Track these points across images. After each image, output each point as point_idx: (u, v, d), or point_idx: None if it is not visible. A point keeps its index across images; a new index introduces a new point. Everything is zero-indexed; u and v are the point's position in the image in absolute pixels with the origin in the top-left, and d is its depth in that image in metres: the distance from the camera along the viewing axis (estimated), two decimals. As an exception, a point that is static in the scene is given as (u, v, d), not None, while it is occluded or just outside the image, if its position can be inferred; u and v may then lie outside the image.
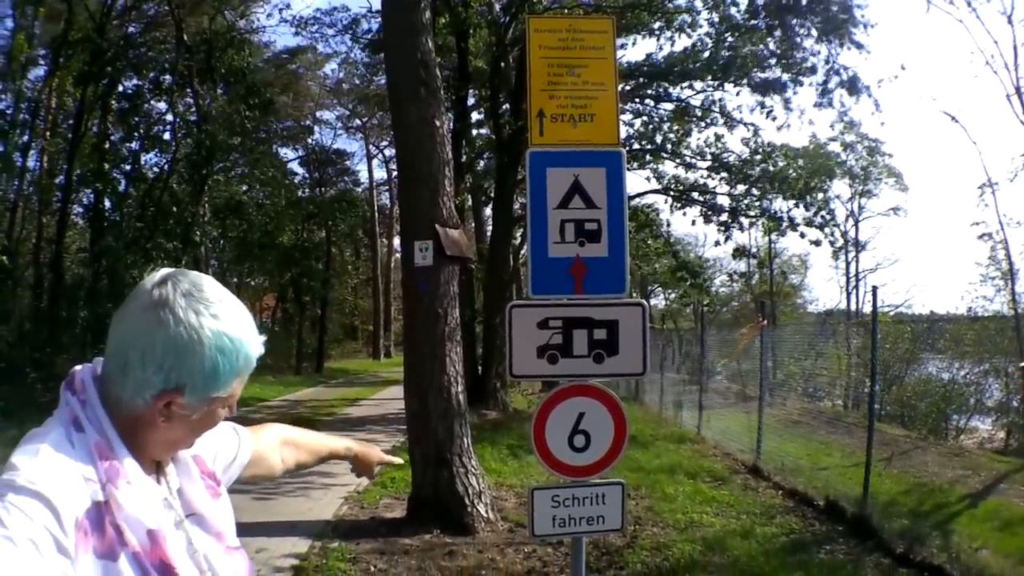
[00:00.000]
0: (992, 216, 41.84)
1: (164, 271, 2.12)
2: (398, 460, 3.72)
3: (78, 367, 2.18)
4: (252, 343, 2.18)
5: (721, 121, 29.68)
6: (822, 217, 28.43)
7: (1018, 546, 10.49)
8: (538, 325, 5.61)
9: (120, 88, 34.73)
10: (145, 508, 2.04)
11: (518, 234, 29.58)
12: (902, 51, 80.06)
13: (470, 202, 35.51)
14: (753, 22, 27.09)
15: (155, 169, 36.45)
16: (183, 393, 2.06)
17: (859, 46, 26.59)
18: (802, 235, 28.57)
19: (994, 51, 34.07)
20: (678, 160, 30.08)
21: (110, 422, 2.05)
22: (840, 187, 43.74)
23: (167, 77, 35.91)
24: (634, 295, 56.24)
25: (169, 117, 37.04)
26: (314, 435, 3.38)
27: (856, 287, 61.59)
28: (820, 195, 28.61)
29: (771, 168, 28.22)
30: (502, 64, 28.57)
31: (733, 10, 27.60)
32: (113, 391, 2.06)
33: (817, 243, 28.73)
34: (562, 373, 5.68)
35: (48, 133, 33.14)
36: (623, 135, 27.52)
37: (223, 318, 2.11)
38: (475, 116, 33.94)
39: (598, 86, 6.04)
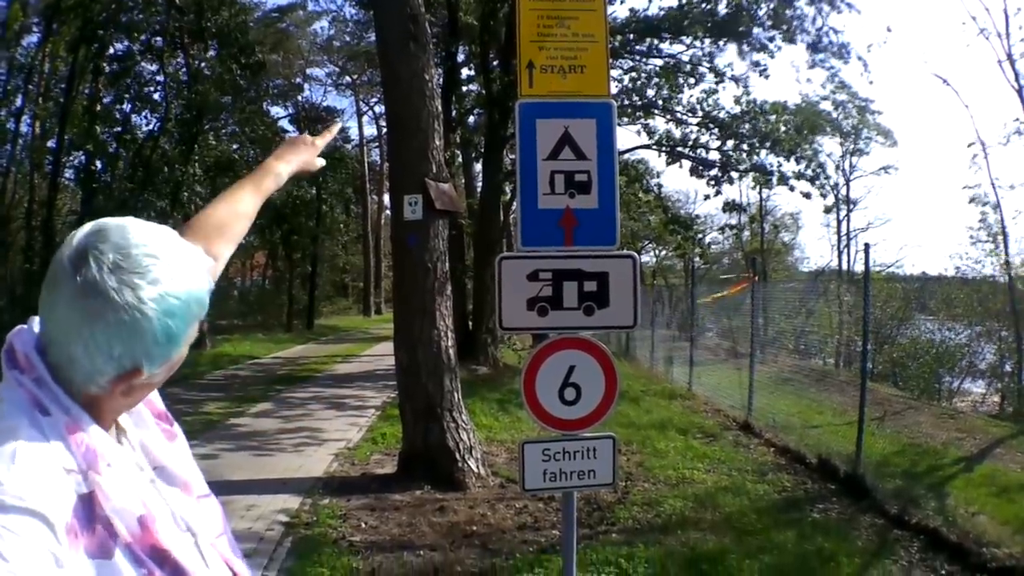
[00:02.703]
0: (983, 179, 41.92)
1: (79, 238, 1.81)
2: (335, 126, 3.43)
3: (14, 337, 1.93)
4: (199, 286, 1.91)
5: (712, 77, 29.59)
6: (813, 170, 28.42)
7: (1015, 513, 10.45)
8: (528, 277, 5.55)
9: (111, 51, 34.60)
10: (131, 492, 1.87)
11: (508, 189, 29.47)
12: (893, 16, 79.74)
13: (460, 158, 35.42)
14: None
15: (145, 129, 36.34)
16: (141, 370, 1.86)
17: (848, 5, 26.52)
18: (791, 188, 28.55)
19: (986, 18, 34.08)
20: (669, 116, 29.99)
21: (69, 398, 1.84)
22: (832, 145, 43.72)
23: (158, 39, 35.72)
24: (624, 250, 56.26)
25: (160, 78, 36.88)
26: (225, 198, 2.87)
27: (848, 246, 61.69)
28: (809, 147, 28.58)
29: (761, 125, 28.15)
30: (492, 21, 28.41)
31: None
32: (62, 373, 1.85)
33: (808, 195, 28.72)
34: (552, 325, 5.63)
35: (40, 99, 33.03)
36: (614, 90, 27.40)
37: (163, 278, 1.83)
38: (465, 73, 33.86)
39: (588, 37, 5.96)
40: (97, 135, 31.75)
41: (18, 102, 31.21)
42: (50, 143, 33.25)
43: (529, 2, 6.00)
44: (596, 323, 5.67)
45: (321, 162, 3.18)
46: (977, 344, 24.78)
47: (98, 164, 33.42)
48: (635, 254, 5.92)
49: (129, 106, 35.50)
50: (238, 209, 2.81)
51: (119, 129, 34.58)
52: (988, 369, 25.17)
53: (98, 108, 33.43)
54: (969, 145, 34.18)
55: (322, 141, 3.18)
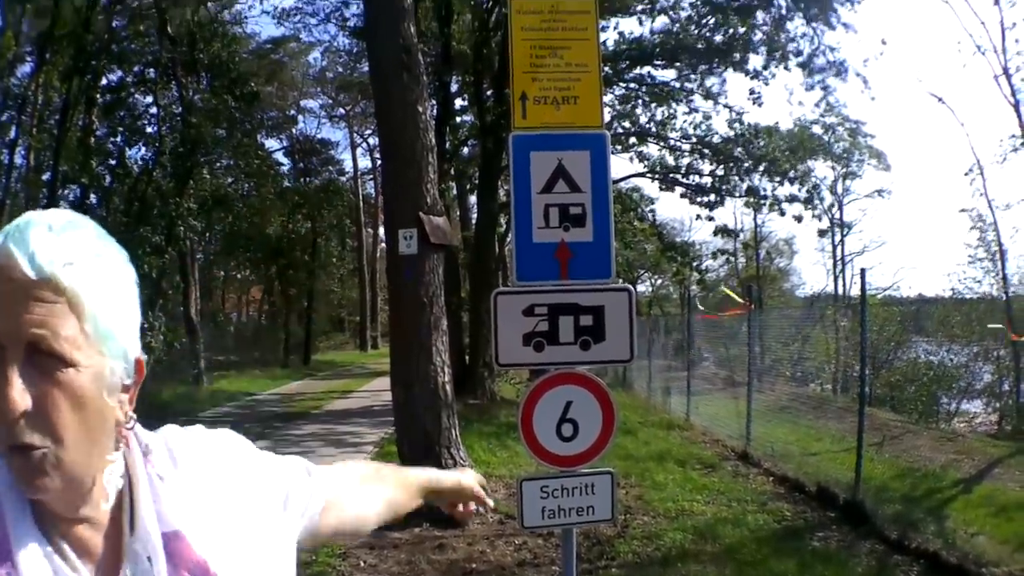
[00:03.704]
0: (980, 200, 41.92)
1: None
2: (490, 503, 2.95)
3: None
4: None
5: (705, 103, 29.71)
6: (806, 192, 28.50)
7: (1014, 531, 10.43)
8: (523, 312, 5.50)
9: (104, 82, 34.67)
10: None
11: (503, 221, 29.48)
12: (888, 35, 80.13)
13: (455, 190, 35.46)
14: (735, 1, 27.03)
15: (140, 162, 36.36)
16: None
17: (846, 25, 26.57)
18: (782, 212, 28.66)
19: (981, 33, 34.22)
20: (662, 143, 30.08)
21: None
22: (824, 170, 43.87)
23: (151, 70, 35.80)
24: (620, 281, 56.30)
25: (153, 110, 36.94)
26: (397, 468, 2.68)
27: (843, 270, 61.73)
28: (802, 168, 28.69)
29: (754, 148, 28.24)
30: (485, 50, 28.48)
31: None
32: None
33: (799, 218, 28.80)
34: (549, 361, 5.58)
35: (34, 130, 33.05)
36: (607, 118, 27.40)
37: None
38: (459, 103, 33.92)
39: (581, 68, 5.94)
40: (92, 168, 31.76)
41: (12, 133, 31.21)
42: (45, 176, 33.25)
43: (522, 32, 5.97)
44: (593, 357, 5.62)
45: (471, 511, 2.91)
46: (975, 364, 24.76)
47: (93, 198, 33.41)
48: (631, 287, 5.88)
49: (123, 139, 35.55)
50: (399, 476, 2.62)
51: (113, 162, 34.61)
52: (986, 389, 25.15)
53: (92, 141, 33.44)
54: (966, 173, 34.25)
55: (481, 495, 2.86)
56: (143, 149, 36.49)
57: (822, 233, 45.38)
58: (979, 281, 33.21)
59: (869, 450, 13.84)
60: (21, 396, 1.43)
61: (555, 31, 6.00)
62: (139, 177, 34.87)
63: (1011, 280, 31.35)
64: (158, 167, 34.55)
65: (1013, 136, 31.36)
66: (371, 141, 67.83)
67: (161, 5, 34.39)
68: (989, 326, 23.46)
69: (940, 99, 61.88)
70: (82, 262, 1.54)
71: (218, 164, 42.55)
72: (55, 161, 30.97)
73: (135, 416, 1.71)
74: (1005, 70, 29.57)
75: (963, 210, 36.74)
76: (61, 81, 32.13)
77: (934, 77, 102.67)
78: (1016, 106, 29.47)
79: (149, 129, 36.67)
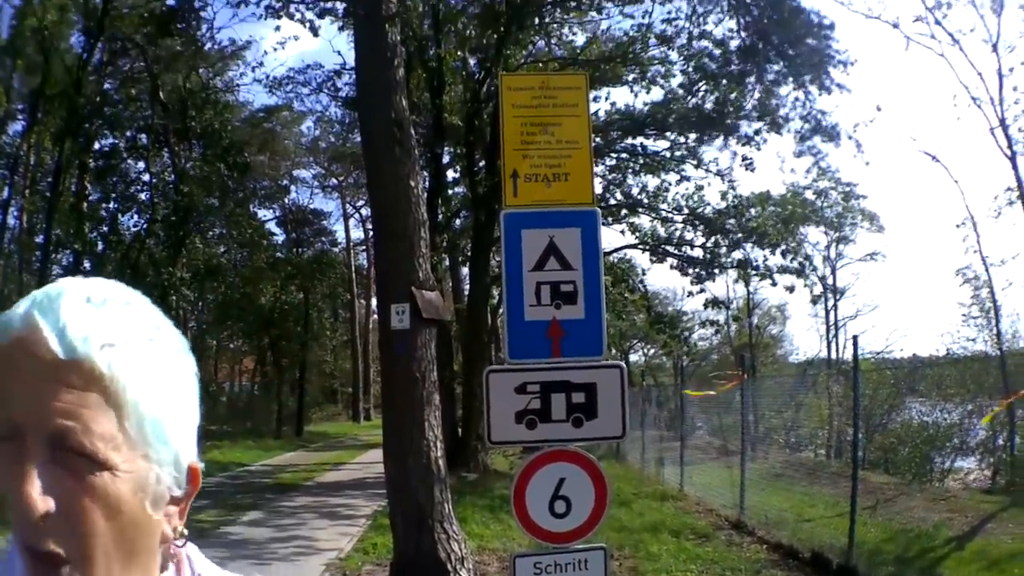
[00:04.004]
0: (974, 257, 41.91)
1: None
2: None
3: None
4: None
5: (697, 173, 29.85)
6: (798, 263, 28.57)
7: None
8: (516, 390, 5.52)
9: (97, 146, 34.83)
10: None
11: (496, 292, 29.52)
12: (881, 92, 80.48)
13: (447, 261, 35.51)
14: (728, 68, 27.22)
15: (133, 229, 36.47)
16: None
17: (839, 86, 26.67)
18: (774, 283, 28.74)
19: (978, 83, 34.35)
20: (654, 215, 30.20)
21: None
22: (817, 235, 43.98)
23: (143, 136, 35.97)
24: (613, 351, 56.28)
25: (146, 177, 37.07)
26: None
27: (836, 335, 61.71)
28: (793, 239, 28.76)
29: (747, 222, 28.35)
30: (476, 121, 28.64)
31: (707, 59, 27.80)
32: None
33: (791, 289, 28.86)
34: (541, 439, 5.59)
35: (27, 191, 33.16)
36: (598, 190, 27.39)
37: None
38: (451, 174, 34.05)
39: (572, 144, 5.99)
40: (84, 234, 31.84)
41: (4, 193, 31.37)
42: (38, 239, 33.30)
43: (512, 109, 6.03)
44: (585, 435, 5.64)
45: None
46: (969, 422, 24.75)
47: (87, 264, 33.48)
48: (622, 364, 5.91)
49: (115, 205, 35.67)
50: None
51: (106, 228, 34.69)
52: (979, 445, 25.13)
53: (85, 206, 33.54)
54: (958, 226, 34.29)
55: None
56: (136, 216, 36.62)
57: (815, 301, 45.39)
58: (973, 340, 33.27)
59: (863, 514, 13.85)
60: (41, 497, 1.18)
61: (546, 107, 6.04)
62: (131, 244, 34.94)
63: (1005, 335, 31.40)
64: (151, 235, 34.62)
65: (1009, 189, 31.42)
66: (364, 212, 68.00)
67: (153, 70, 34.57)
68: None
69: (934, 157, 61.96)
70: (126, 345, 1.29)
71: (211, 233, 42.66)
72: (48, 224, 31.06)
73: (187, 533, 1.46)
74: (1002, 121, 29.69)
75: (958, 270, 36.72)
76: (53, 143, 32.31)
77: (927, 134, 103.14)
78: (1012, 158, 29.57)
79: (142, 196, 36.80)
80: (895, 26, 32.16)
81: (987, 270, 33.53)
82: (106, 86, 35.59)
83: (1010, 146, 29.65)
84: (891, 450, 25.29)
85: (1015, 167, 29.59)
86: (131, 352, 1.29)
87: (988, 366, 26.26)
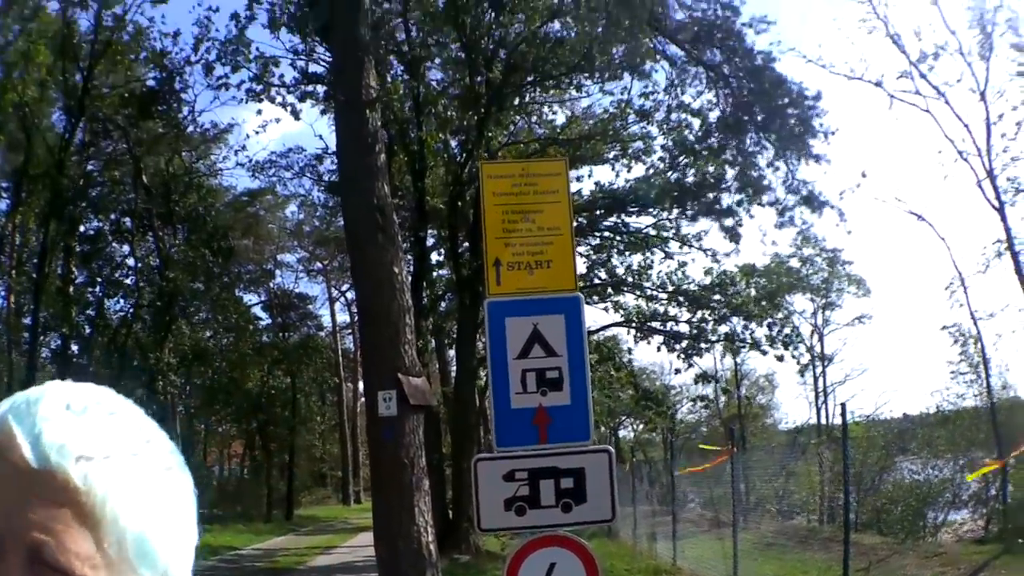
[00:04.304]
0: (961, 314, 41.85)
1: None
2: None
3: None
4: None
5: (680, 248, 29.94)
6: (785, 335, 28.60)
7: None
8: (504, 478, 5.55)
9: (82, 228, 34.90)
10: None
11: (483, 374, 29.47)
12: (865, 153, 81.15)
13: (433, 343, 35.45)
14: (708, 141, 27.36)
15: (119, 313, 36.47)
16: None
17: (817, 158, 26.71)
18: (764, 352, 28.75)
19: (964, 136, 34.40)
20: (639, 292, 30.27)
21: None
22: (803, 303, 44.10)
23: (127, 220, 36.04)
24: (601, 429, 56.15)
25: (131, 261, 37.12)
26: None
27: (825, 402, 61.58)
28: (780, 314, 28.84)
29: (732, 297, 28.45)
30: (459, 203, 28.72)
31: (687, 132, 27.97)
32: None
33: (780, 359, 28.87)
34: (531, 525, 5.61)
35: (13, 271, 33.15)
36: (582, 269, 27.39)
37: None
38: (435, 257, 34.08)
39: (553, 231, 6.05)
40: (71, 317, 31.82)
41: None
42: (26, 319, 33.23)
43: (494, 197, 6.09)
44: (575, 519, 5.66)
45: None
46: (960, 476, 24.78)
47: (74, 347, 33.46)
48: (610, 449, 5.96)
49: (101, 290, 35.68)
50: None
51: (92, 312, 34.67)
52: (971, 497, 25.14)
53: (71, 289, 33.53)
54: (947, 287, 34.24)
55: None
56: (122, 301, 36.64)
57: (803, 371, 45.40)
58: (962, 396, 33.28)
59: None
60: None
61: (527, 195, 6.10)
62: (118, 329, 34.92)
63: (995, 388, 31.39)
64: (137, 320, 34.62)
65: (997, 241, 31.43)
66: (349, 295, 67.92)
67: (135, 153, 34.67)
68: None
69: (920, 216, 62.02)
70: (106, 458, 1.17)
71: (196, 317, 42.65)
72: (35, 307, 31.03)
73: None
74: (989, 172, 29.66)
75: (944, 327, 36.61)
76: (38, 225, 32.34)
77: (913, 192, 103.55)
78: (1000, 209, 29.58)
79: (127, 280, 36.83)
80: (878, 84, 32.17)
81: (975, 324, 33.51)
82: (89, 167, 35.66)
83: (998, 197, 29.66)
84: (883, 511, 25.31)
85: (1004, 218, 29.59)
86: (111, 466, 1.17)
87: (979, 420, 26.36)
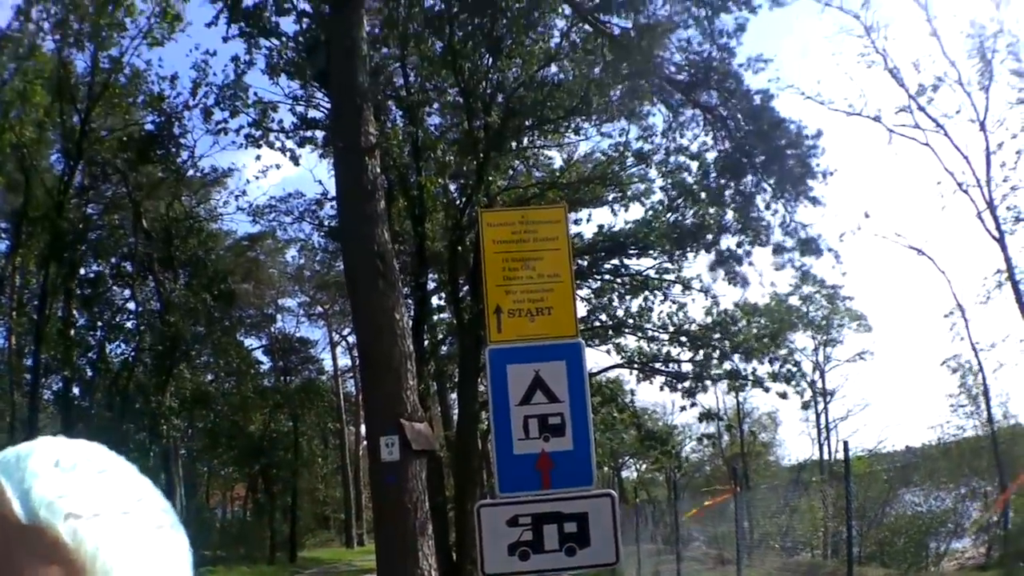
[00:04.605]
0: (960, 346, 41.73)
1: None
2: None
3: None
4: None
5: (680, 290, 29.92)
6: (787, 371, 28.56)
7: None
8: (507, 523, 5.60)
9: (82, 271, 34.87)
10: None
11: (485, 417, 29.39)
12: (864, 186, 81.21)
13: (435, 386, 35.35)
14: (706, 182, 27.32)
15: (121, 356, 36.41)
16: None
17: (815, 201, 26.58)
18: (766, 390, 28.68)
19: (964, 168, 34.14)
20: (640, 334, 30.21)
21: None
22: (804, 340, 44.00)
23: (127, 264, 36.02)
24: (604, 469, 56.00)
25: (132, 305, 37.10)
26: None
27: (828, 438, 61.40)
28: (783, 351, 28.83)
29: (733, 336, 28.43)
30: (459, 248, 28.70)
31: (685, 174, 28.00)
32: None
33: (784, 396, 28.83)
34: (535, 569, 5.65)
35: (14, 312, 33.13)
36: (583, 313, 27.29)
37: None
38: (436, 301, 34.02)
39: (553, 278, 6.11)
40: (73, 360, 31.78)
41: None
42: (27, 361, 33.17)
43: (494, 245, 6.16)
44: (578, 563, 5.71)
45: None
46: (963, 506, 24.81)
47: (76, 390, 33.41)
48: (613, 492, 6.01)
49: (102, 333, 35.64)
50: None
51: (94, 355, 34.64)
52: (973, 525, 25.14)
53: (72, 332, 33.48)
54: (946, 315, 34.19)
55: None
56: (123, 345, 36.61)
57: (805, 406, 45.26)
58: (962, 428, 33.27)
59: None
60: None
61: (526, 242, 6.17)
62: (120, 372, 34.90)
63: (996, 418, 31.39)
64: (138, 363, 34.58)
65: (998, 271, 31.42)
66: (350, 339, 67.75)
67: (135, 197, 34.67)
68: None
69: (920, 251, 61.93)
70: (95, 516, 1.13)
71: (198, 361, 42.58)
72: (36, 349, 30.99)
73: None
74: (989, 203, 29.66)
75: (945, 362, 36.59)
76: (38, 267, 32.34)
77: (912, 226, 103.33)
78: (1001, 239, 29.56)
79: (128, 324, 36.80)
80: (877, 119, 32.25)
81: (976, 356, 33.47)
82: (88, 210, 35.66)
83: (998, 227, 29.66)
84: (886, 543, 25.30)
85: (1004, 248, 29.57)
86: (100, 524, 1.13)
87: (980, 449, 26.36)
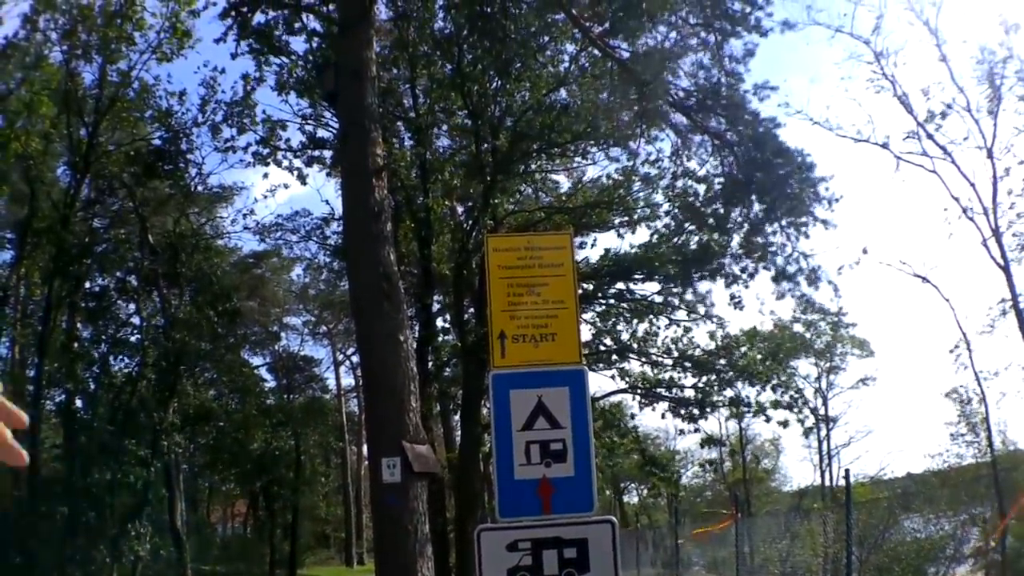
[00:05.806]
0: (963, 375, 41.64)
1: None
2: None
3: None
4: None
5: (685, 315, 29.83)
6: (790, 397, 28.51)
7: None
8: (507, 548, 5.60)
9: (87, 285, 34.81)
10: None
11: (487, 439, 29.33)
12: (869, 212, 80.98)
13: (438, 407, 35.28)
14: (713, 207, 27.27)
15: (124, 370, 36.29)
16: None
17: (825, 224, 26.44)
18: (768, 419, 28.62)
19: (970, 195, 33.94)
20: (644, 359, 30.14)
21: None
22: (807, 367, 43.94)
23: (132, 279, 35.97)
24: (606, 492, 55.89)
25: (136, 320, 37.02)
26: None
27: (830, 464, 61.30)
28: (785, 376, 28.77)
29: (736, 361, 28.39)
30: (464, 271, 28.67)
31: (691, 198, 27.93)
32: None
33: (785, 424, 28.77)
34: (532, 595, 5.64)
35: (18, 323, 33.11)
36: (587, 337, 27.29)
37: None
38: (441, 323, 33.97)
39: (558, 304, 6.11)
40: (76, 373, 31.72)
41: (-5, 324, 31.39)
42: (30, 372, 33.12)
43: (499, 271, 6.17)
44: (577, 589, 5.69)
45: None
46: (962, 531, 24.80)
47: (78, 402, 33.38)
48: (613, 519, 6.00)
49: (106, 347, 35.57)
50: None
51: (97, 369, 34.57)
52: (973, 550, 25.13)
53: (76, 345, 33.42)
54: (951, 350, 34.18)
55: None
56: (126, 359, 36.53)
57: (807, 433, 45.22)
58: (961, 457, 33.24)
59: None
60: None
61: (531, 267, 6.18)
62: (123, 387, 34.86)
63: (996, 446, 31.39)
64: (142, 378, 34.54)
65: (1003, 300, 31.39)
66: (354, 359, 67.64)
67: (141, 212, 34.63)
68: None
69: (924, 279, 61.84)
70: None
71: (202, 378, 42.54)
72: (40, 361, 30.95)
73: None
74: (995, 230, 29.58)
75: (947, 393, 36.60)
76: (43, 280, 32.31)
77: (917, 253, 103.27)
78: (1006, 267, 29.52)
79: (132, 339, 36.73)
80: (885, 146, 32.21)
81: (980, 384, 33.41)
82: (95, 224, 35.57)
83: (1003, 255, 29.62)
84: (886, 569, 25.31)
85: (1009, 276, 29.53)
86: None
87: (979, 475, 26.35)
